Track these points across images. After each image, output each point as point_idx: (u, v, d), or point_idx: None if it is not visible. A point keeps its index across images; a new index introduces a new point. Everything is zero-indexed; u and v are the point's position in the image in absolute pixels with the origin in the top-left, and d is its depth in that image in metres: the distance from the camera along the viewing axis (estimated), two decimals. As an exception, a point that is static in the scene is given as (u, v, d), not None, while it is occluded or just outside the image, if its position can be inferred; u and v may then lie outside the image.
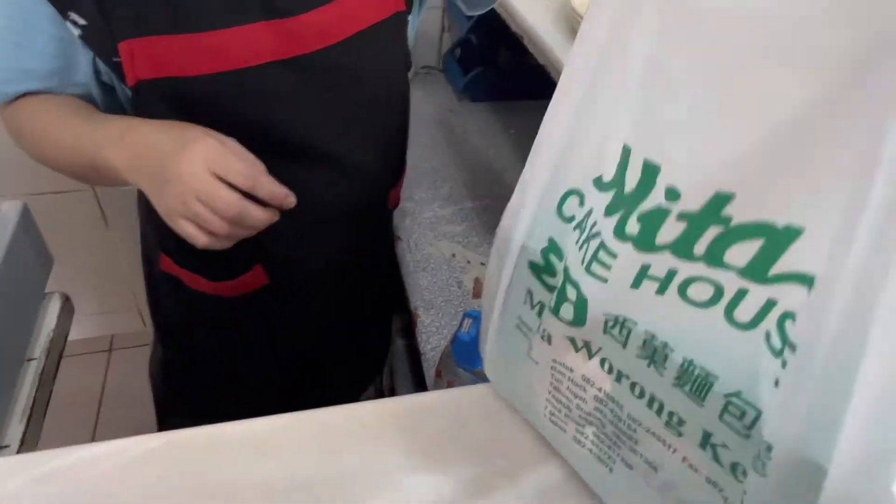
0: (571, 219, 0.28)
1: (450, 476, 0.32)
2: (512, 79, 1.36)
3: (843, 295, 0.21)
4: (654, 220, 0.24)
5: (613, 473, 0.30)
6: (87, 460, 0.32)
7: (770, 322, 0.23)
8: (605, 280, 0.26)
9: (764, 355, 0.23)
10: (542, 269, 0.31)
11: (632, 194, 0.25)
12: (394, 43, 0.63)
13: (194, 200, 0.44)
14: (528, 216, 0.31)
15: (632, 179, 0.25)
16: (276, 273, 0.68)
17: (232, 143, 0.48)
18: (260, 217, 0.48)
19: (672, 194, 0.24)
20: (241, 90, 0.54)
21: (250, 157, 0.48)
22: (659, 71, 0.26)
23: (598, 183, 0.27)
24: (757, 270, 0.23)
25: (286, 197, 0.50)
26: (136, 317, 1.62)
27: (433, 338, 0.81)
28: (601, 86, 0.27)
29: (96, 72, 0.54)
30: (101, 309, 1.57)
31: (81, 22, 0.49)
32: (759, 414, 0.23)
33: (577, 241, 0.28)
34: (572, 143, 0.29)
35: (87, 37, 0.50)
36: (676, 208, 0.24)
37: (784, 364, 0.22)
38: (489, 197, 1.07)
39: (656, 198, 0.24)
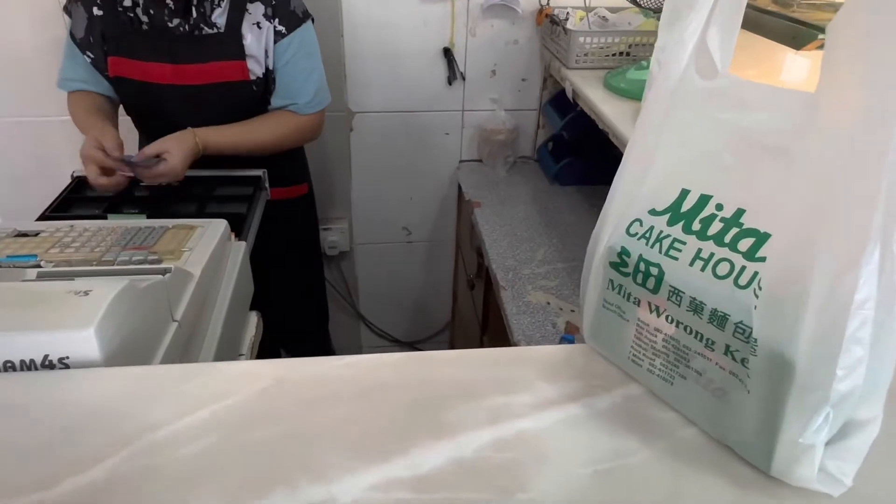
0: (635, 234, 0.51)
1: (559, 385, 0.53)
2: (595, 167, 1.61)
3: (779, 270, 0.42)
4: (707, 222, 0.46)
5: (674, 385, 0.51)
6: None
7: (754, 283, 0.44)
8: (676, 259, 0.47)
9: (752, 298, 0.44)
10: (618, 265, 0.53)
11: (689, 211, 0.48)
12: (233, 91, 1.18)
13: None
14: (606, 237, 0.54)
15: (688, 204, 0.48)
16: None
17: (103, 139, 1.06)
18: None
19: (718, 207, 0.46)
20: (156, 94, 1.16)
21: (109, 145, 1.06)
22: (699, 153, 0.49)
23: (653, 212, 0.50)
24: (751, 254, 0.45)
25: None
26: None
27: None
28: (642, 161, 0.51)
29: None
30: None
31: (91, 56, 1.17)
32: (751, 328, 0.44)
33: (646, 244, 0.50)
34: (632, 193, 0.52)
35: (93, 62, 1.17)
36: (720, 215, 0.46)
37: (758, 298, 0.43)
38: (577, 259, 1.29)
39: (709, 210, 0.46)
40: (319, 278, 1.58)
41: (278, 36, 1.15)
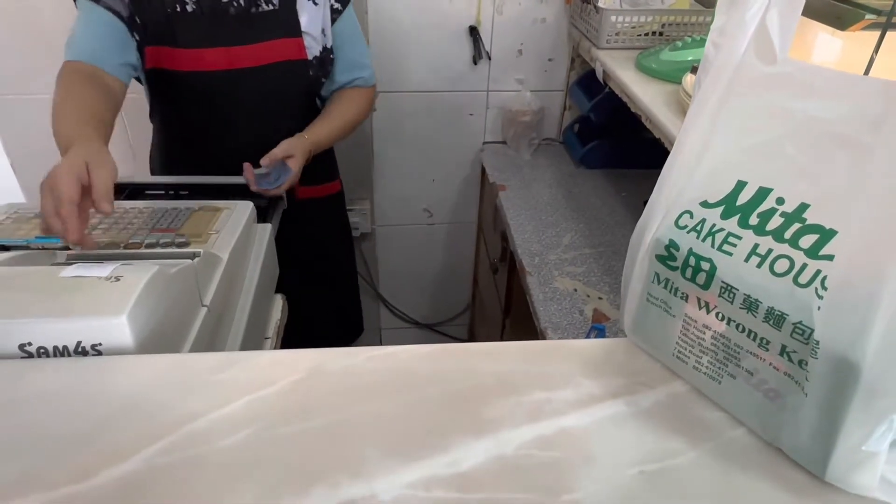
0: (685, 227, 0.48)
1: (602, 381, 0.51)
2: (622, 150, 1.58)
3: (848, 270, 0.39)
4: (766, 216, 0.44)
5: (721, 384, 0.49)
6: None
7: (816, 281, 0.42)
8: (730, 254, 0.45)
9: (813, 297, 0.41)
10: (665, 258, 0.51)
11: (745, 204, 0.45)
12: (290, 71, 1.11)
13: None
14: (653, 229, 0.52)
15: (744, 197, 0.45)
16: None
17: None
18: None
19: (779, 201, 0.44)
20: (204, 84, 1.07)
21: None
22: (759, 143, 0.46)
23: (705, 204, 0.47)
24: (813, 252, 0.42)
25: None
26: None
27: (560, 351, 1.00)
28: (694, 149, 0.49)
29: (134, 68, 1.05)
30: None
31: (137, 38, 1.02)
32: (812, 329, 0.41)
33: (696, 238, 0.48)
34: (682, 184, 0.50)
35: (138, 46, 1.02)
36: (781, 209, 0.43)
37: (821, 298, 0.41)
38: (604, 245, 1.27)
39: (769, 203, 0.44)
40: (353, 287, 1.49)
41: (335, 13, 1.13)
